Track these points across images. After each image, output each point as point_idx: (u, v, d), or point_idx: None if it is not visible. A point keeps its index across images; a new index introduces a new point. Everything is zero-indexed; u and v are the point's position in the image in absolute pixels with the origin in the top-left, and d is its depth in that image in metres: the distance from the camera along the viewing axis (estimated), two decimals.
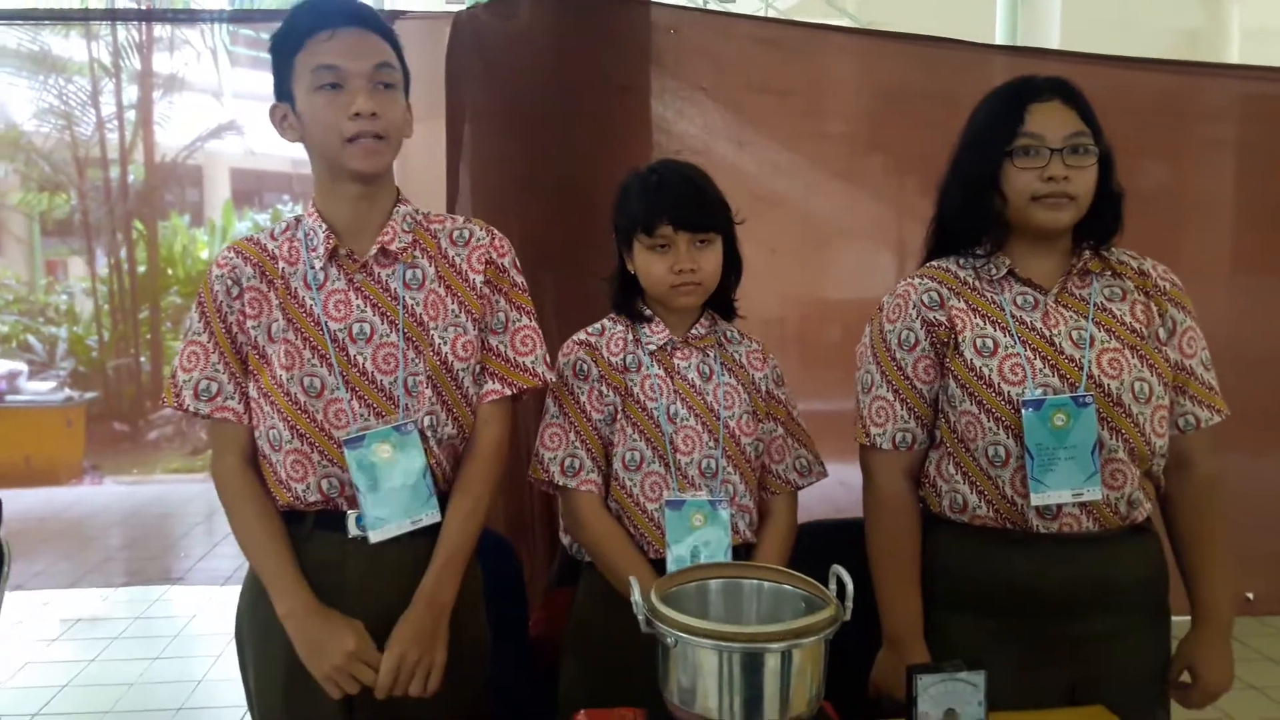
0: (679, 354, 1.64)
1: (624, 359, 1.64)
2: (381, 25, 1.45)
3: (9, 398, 6.17)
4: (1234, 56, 9.40)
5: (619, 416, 1.62)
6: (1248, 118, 2.89)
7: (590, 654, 1.64)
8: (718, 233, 1.59)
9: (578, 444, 1.62)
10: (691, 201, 1.57)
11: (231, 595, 1.59)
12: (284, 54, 1.43)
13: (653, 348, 1.63)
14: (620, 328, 1.67)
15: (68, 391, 6.46)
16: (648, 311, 1.65)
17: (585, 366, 1.64)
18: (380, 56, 1.43)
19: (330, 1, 1.45)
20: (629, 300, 1.66)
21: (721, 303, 1.69)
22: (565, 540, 1.72)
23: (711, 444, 1.60)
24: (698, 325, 1.66)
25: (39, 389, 6.50)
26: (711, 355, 1.66)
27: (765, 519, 1.68)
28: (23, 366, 6.80)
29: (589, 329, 1.69)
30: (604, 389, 1.63)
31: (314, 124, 1.42)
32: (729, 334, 1.70)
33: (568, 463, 1.62)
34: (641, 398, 1.61)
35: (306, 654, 1.40)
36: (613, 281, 1.68)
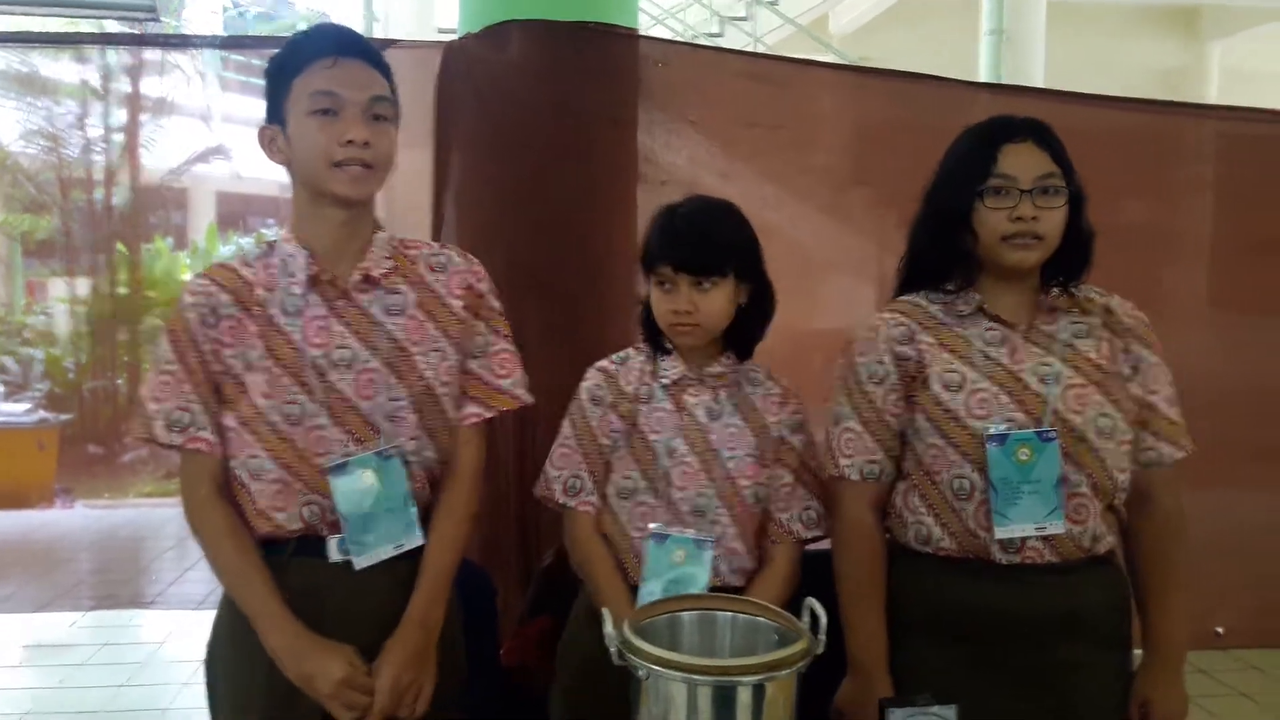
0: (691, 390, 1.64)
1: (638, 389, 1.65)
2: (381, 61, 1.47)
3: None
4: (1213, 96, 9.58)
5: (621, 445, 1.63)
6: (1226, 157, 2.94)
7: (579, 671, 1.63)
8: (723, 276, 1.58)
9: (582, 466, 1.65)
10: (695, 246, 1.57)
11: (203, 620, 1.57)
12: (282, 77, 1.44)
13: (666, 381, 1.64)
14: (642, 358, 1.68)
15: (41, 413, 6.36)
16: (668, 344, 1.66)
17: (601, 393, 1.66)
18: (378, 89, 1.44)
19: (334, 31, 1.49)
20: (654, 330, 1.66)
21: (742, 341, 1.66)
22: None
23: (707, 483, 1.60)
24: (716, 363, 1.65)
25: (12, 410, 6.41)
26: (724, 395, 1.65)
27: (762, 565, 1.65)
28: None
29: (613, 356, 1.71)
30: (614, 417, 1.64)
31: (304, 147, 1.42)
32: (752, 375, 1.68)
33: (571, 483, 1.65)
34: (646, 429, 1.62)
35: (300, 684, 1.39)
36: (642, 309, 1.68)
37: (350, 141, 1.39)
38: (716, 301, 1.58)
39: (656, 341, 1.67)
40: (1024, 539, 1.46)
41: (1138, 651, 1.58)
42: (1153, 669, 1.54)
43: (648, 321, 1.67)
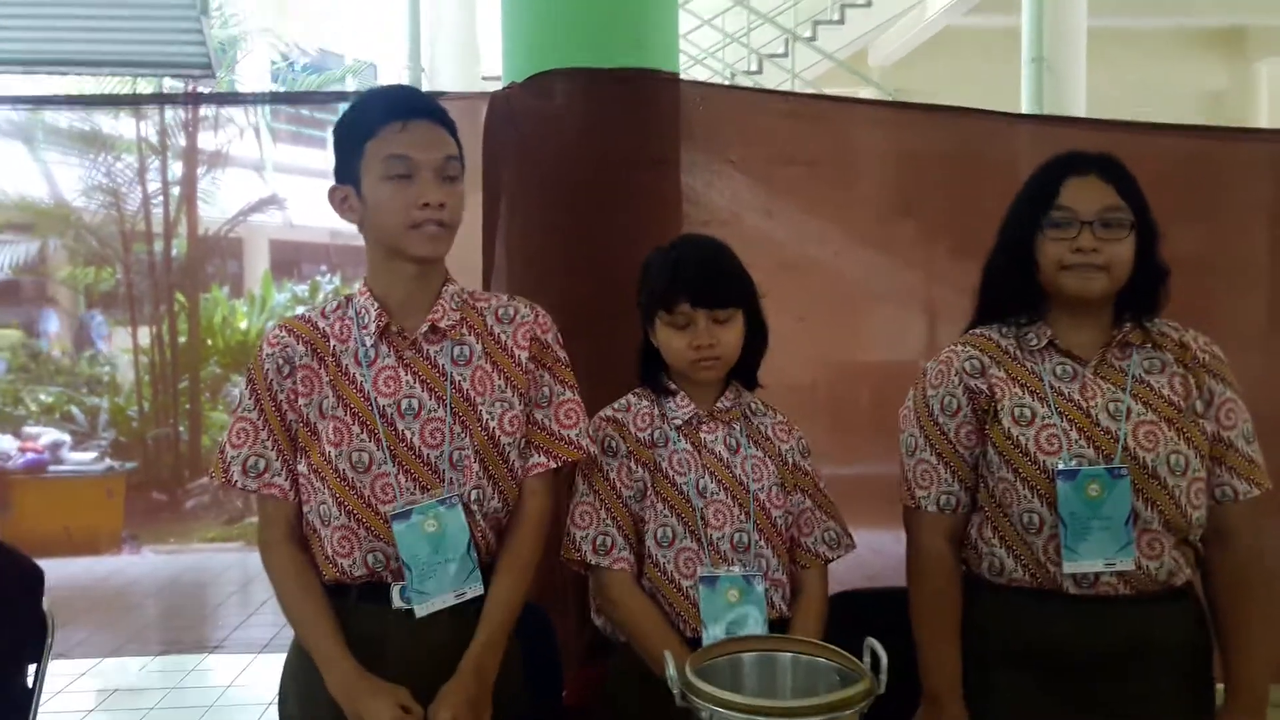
0: (705, 427, 1.65)
1: (651, 434, 1.65)
2: (447, 118, 1.51)
3: (51, 468, 6.25)
4: (1262, 118, 9.42)
5: (649, 493, 1.62)
6: (1277, 181, 2.89)
7: None
8: (737, 308, 1.61)
9: (609, 522, 1.63)
10: (709, 280, 1.59)
11: (268, 663, 1.61)
12: (353, 140, 1.48)
13: (679, 422, 1.65)
14: (646, 403, 1.68)
15: (108, 462, 6.53)
16: (672, 385, 1.67)
17: (614, 443, 1.65)
18: (448, 150, 1.49)
19: (402, 93, 1.54)
20: (654, 373, 1.68)
21: (745, 373, 1.70)
22: (598, 621, 1.71)
23: (742, 518, 1.60)
24: (723, 398, 1.67)
25: (81, 459, 6.58)
26: (738, 428, 1.66)
27: (797, 593, 1.67)
28: (66, 437, 6.91)
29: (615, 405, 1.71)
30: (633, 465, 1.64)
31: (380, 210, 1.47)
32: (754, 406, 1.71)
33: (599, 541, 1.62)
34: (670, 473, 1.62)
35: None
36: (638, 354, 1.70)
37: (427, 205, 1.44)
38: (733, 333, 1.61)
39: (658, 384, 1.68)
40: (1096, 574, 1.46)
41: (1221, 686, 1.55)
42: (1234, 711, 1.52)
43: (647, 364, 1.68)
